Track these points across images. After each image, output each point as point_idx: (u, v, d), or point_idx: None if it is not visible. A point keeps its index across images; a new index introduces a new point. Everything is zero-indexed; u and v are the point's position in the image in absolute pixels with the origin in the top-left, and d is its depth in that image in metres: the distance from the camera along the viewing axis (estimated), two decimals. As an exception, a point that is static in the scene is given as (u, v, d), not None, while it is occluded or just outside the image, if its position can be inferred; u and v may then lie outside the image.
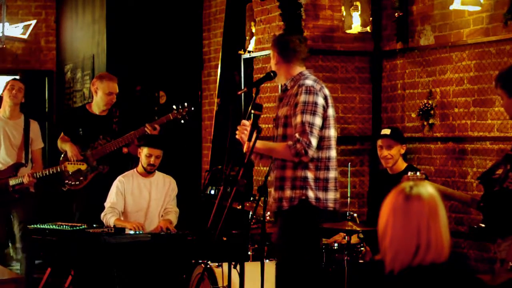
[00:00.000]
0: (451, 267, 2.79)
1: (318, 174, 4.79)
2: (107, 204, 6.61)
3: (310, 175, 4.78)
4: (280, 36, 5.22)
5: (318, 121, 4.76)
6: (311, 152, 4.73)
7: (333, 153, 4.87)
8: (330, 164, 4.83)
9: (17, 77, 7.43)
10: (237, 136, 4.81)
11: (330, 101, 4.90)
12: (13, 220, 7.33)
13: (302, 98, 4.78)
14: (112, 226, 6.38)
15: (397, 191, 2.83)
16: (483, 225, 4.42)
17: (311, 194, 4.77)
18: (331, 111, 4.88)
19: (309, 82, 4.86)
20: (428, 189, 2.82)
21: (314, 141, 4.73)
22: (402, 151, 6.11)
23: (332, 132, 4.88)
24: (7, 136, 7.34)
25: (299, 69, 5.00)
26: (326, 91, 4.90)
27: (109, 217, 6.51)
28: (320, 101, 4.80)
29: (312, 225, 4.84)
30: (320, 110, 4.78)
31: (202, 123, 9.46)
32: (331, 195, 4.82)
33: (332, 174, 4.85)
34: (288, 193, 4.82)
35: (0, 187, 7.20)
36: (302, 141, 4.70)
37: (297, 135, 4.74)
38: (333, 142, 4.89)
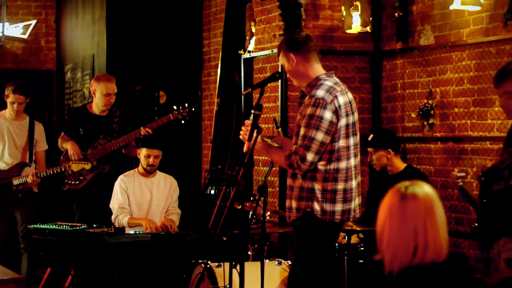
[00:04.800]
0: (451, 267, 2.79)
1: (326, 185, 4.67)
2: (114, 205, 6.60)
3: (317, 186, 4.67)
4: (290, 37, 4.94)
5: (320, 136, 4.61)
6: (305, 167, 4.62)
7: (342, 164, 4.69)
8: (338, 175, 4.68)
9: (17, 85, 7.29)
10: (240, 137, 4.77)
11: (345, 110, 4.69)
12: (17, 220, 7.33)
13: (309, 111, 4.64)
14: (126, 226, 6.40)
15: (393, 192, 2.83)
16: (476, 224, 4.42)
17: (316, 206, 4.67)
18: (344, 121, 4.69)
19: (320, 93, 4.66)
20: (424, 188, 2.80)
21: (310, 156, 4.61)
22: (389, 156, 6.12)
23: (343, 143, 4.69)
24: (11, 136, 7.33)
25: (316, 68, 4.81)
26: (341, 100, 4.69)
27: (121, 218, 6.51)
28: (327, 115, 4.62)
29: (318, 238, 4.75)
30: (324, 125, 4.61)
31: (202, 123, 9.46)
32: (339, 207, 4.69)
33: (341, 185, 4.69)
34: (294, 204, 4.76)
35: (4, 186, 7.20)
36: (297, 155, 4.63)
37: (294, 147, 4.68)
38: (346, 153, 4.71)
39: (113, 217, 6.58)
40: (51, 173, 7.06)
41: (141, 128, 6.85)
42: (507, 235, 4.18)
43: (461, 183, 4.87)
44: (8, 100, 7.31)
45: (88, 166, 6.90)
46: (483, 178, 4.33)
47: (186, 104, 7.00)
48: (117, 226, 6.47)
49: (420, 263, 2.74)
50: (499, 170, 4.26)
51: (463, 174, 4.89)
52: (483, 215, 4.40)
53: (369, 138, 6.27)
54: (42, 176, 7.10)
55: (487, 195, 4.32)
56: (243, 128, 4.77)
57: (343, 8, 6.96)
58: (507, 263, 4.19)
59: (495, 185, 4.27)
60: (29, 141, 7.36)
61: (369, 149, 6.23)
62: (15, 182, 7.18)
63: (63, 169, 7.02)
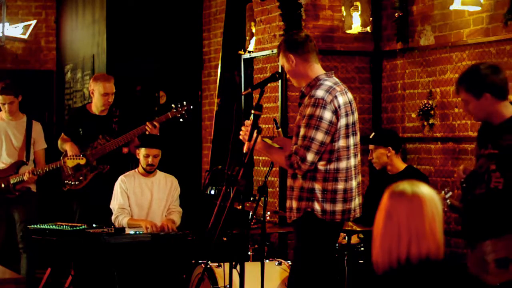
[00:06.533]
0: (448, 266, 2.78)
1: (326, 185, 4.67)
2: (114, 206, 6.60)
3: (317, 186, 4.67)
4: (289, 38, 4.92)
5: (320, 136, 4.61)
6: (305, 167, 4.62)
7: (342, 164, 4.69)
8: (339, 175, 4.68)
9: (3, 85, 7.29)
10: (240, 137, 4.77)
11: (344, 109, 4.69)
12: (15, 220, 7.33)
13: (309, 111, 4.64)
14: (126, 227, 6.40)
15: (387, 190, 2.84)
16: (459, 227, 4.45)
17: (317, 206, 4.67)
18: (343, 121, 4.68)
19: (319, 93, 4.66)
20: (415, 187, 2.78)
21: (310, 156, 4.61)
22: (390, 154, 6.12)
23: (343, 143, 4.69)
24: (8, 136, 7.34)
25: (316, 68, 4.81)
26: (341, 100, 4.68)
27: (121, 219, 6.51)
28: (327, 115, 4.62)
29: (319, 238, 4.75)
30: (324, 125, 4.61)
31: (202, 123, 9.46)
32: (339, 206, 4.70)
33: (341, 185, 4.69)
34: (294, 204, 4.75)
35: (1, 185, 7.21)
36: (297, 155, 4.63)
37: (294, 147, 4.68)
38: (346, 153, 4.70)
39: (113, 217, 6.58)
40: (47, 170, 7.07)
41: (147, 123, 6.84)
42: (493, 236, 4.19)
43: (449, 202, 4.88)
44: (5, 107, 7.32)
45: (83, 161, 6.91)
46: (464, 185, 4.35)
47: (185, 102, 7.00)
48: (115, 226, 6.48)
49: (409, 261, 2.73)
50: (479, 175, 4.28)
51: (450, 193, 4.92)
52: (466, 220, 4.42)
53: (371, 136, 6.29)
54: (38, 173, 7.10)
55: (469, 200, 4.34)
56: (243, 128, 4.76)
57: (343, 8, 6.96)
58: (497, 263, 4.20)
59: (478, 189, 4.29)
60: (27, 140, 7.37)
61: (370, 146, 6.23)
62: (12, 180, 7.20)
63: (58, 166, 7.02)
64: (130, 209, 6.60)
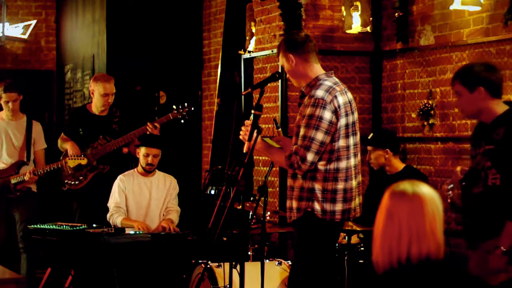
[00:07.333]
0: (448, 266, 2.78)
1: (326, 185, 4.67)
2: (111, 204, 6.61)
3: (317, 186, 4.67)
4: (289, 38, 4.94)
5: (320, 136, 4.62)
6: (305, 167, 4.63)
7: (342, 164, 4.70)
8: (339, 175, 4.68)
9: (7, 84, 7.30)
10: (240, 137, 4.77)
11: (344, 109, 4.69)
12: (15, 220, 7.34)
13: (309, 111, 4.64)
14: (119, 226, 6.39)
15: (387, 190, 2.84)
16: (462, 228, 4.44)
17: (317, 206, 4.67)
18: (343, 121, 4.69)
19: (319, 93, 4.67)
20: (416, 187, 2.78)
21: (310, 156, 4.62)
22: (387, 156, 6.12)
23: (343, 143, 4.70)
24: (9, 136, 7.35)
25: (316, 68, 4.82)
26: (341, 99, 4.69)
27: (115, 217, 6.52)
28: (327, 115, 4.62)
29: (319, 237, 4.76)
30: (324, 125, 4.62)
31: (202, 123, 9.46)
32: (339, 206, 4.70)
33: (341, 185, 4.69)
34: (295, 204, 4.76)
35: (2, 185, 7.21)
36: (297, 155, 4.64)
37: (294, 147, 4.68)
38: (346, 152, 4.71)
39: (108, 215, 6.58)
40: (48, 170, 7.07)
41: (148, 123, 6.84)
42: (495, 236, 4.19)
43: (451, 194, 4.86)
44: (2, 101, 7.32)
45: (84, 162, 6.92)
46: (464, 183, 4.35)
47: (186, 104, 7.00)
48: (111, 224, 6.49)
49: (409, 261, 2.73)
50: (476, 172, 4.28)
51: (452, 185, 4.91)
52: (467, 220, 4.42)
53: (369, 137, 6.29)
54: (39, 173, 7.11)
55: (469, 199, 4.34)
56: (243, 128, 4.77)
57: (343, 8, 6.96)
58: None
59: (475, 188, 4.29)
60: (27, 140, 7.37)
61: (369, 148, 6.24)
62: (13, 180, 7.20)
63: (60, 166, 7.03)
64: (126, 209, 6.61)
